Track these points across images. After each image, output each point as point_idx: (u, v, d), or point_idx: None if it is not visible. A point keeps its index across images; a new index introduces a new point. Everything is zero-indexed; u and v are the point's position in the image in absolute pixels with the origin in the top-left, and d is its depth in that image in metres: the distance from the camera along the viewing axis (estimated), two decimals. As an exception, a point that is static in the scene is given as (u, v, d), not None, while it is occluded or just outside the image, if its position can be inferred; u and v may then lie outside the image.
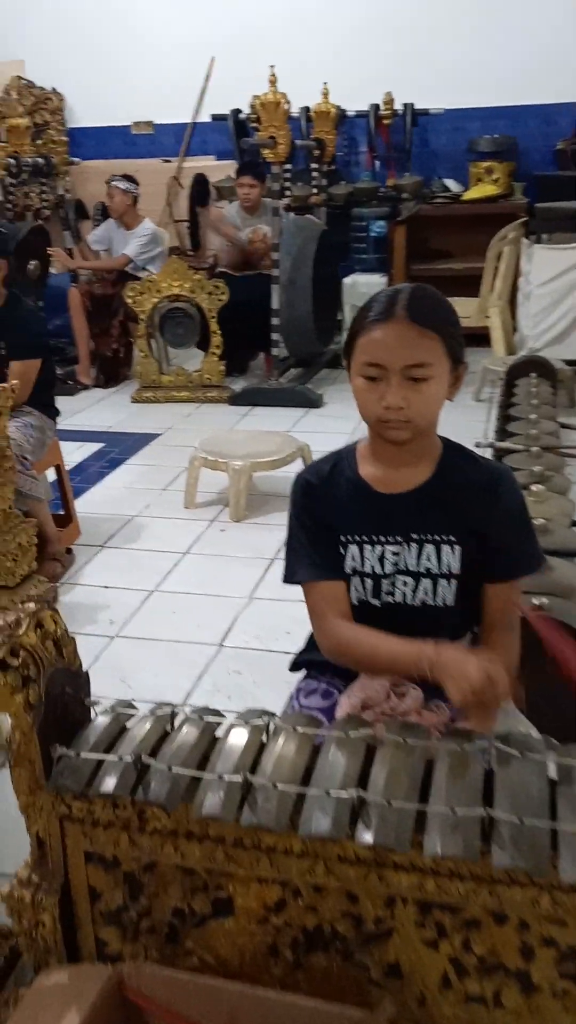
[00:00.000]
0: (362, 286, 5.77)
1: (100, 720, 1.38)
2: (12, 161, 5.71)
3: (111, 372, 5.69)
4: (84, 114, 6.89)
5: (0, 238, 3.06)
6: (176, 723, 1.39)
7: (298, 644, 1.64)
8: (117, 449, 4.42)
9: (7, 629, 1.29)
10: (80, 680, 1.41)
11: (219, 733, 1.36)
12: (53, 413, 3.21)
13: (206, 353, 5.28)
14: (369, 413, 1.41)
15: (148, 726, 1.36)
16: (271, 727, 1.32)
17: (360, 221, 6.07)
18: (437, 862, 1.14)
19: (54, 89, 6.81)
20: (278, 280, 4.97)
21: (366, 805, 1.16)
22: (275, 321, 5.00)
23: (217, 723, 1.37)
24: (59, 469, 3.35)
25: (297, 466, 3.56)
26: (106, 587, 2.98)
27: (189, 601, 2.85)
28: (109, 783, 1.25)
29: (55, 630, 1.38)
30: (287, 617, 2.58)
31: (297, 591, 1.54)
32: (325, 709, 1.57)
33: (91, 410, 5.11)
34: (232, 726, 1.34)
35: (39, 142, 6.37)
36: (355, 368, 1.41)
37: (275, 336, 5.05)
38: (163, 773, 1.25)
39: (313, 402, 5.02)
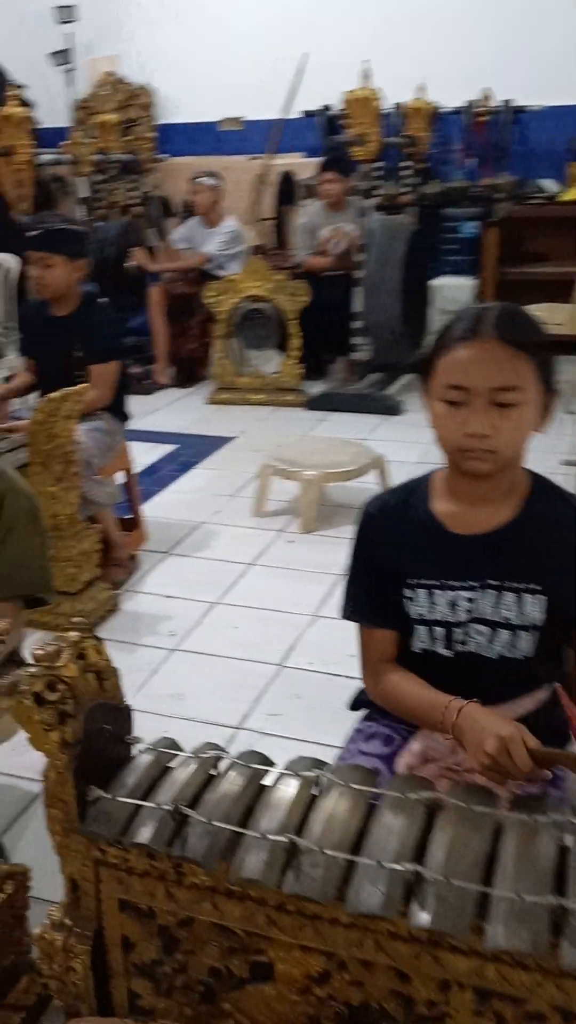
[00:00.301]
0: (450, 289, 5.60)
1: (141, 760, 1.30)
2: (100, 157, 5.71)
3: (188, 372, 5.65)
4: (174, 110, 6.89)
5: (78, 238, 3.01)
6: (221, 767, 1.29)
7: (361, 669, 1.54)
8: (189, 452, 4.37)
9: (46, 660, 1.22)
10: (122, 716, 1.33)
11: (266, 782, 1.26)
12: (123, 417, 3.16)
13: (284, 355, 5.19)
14: (449, 441, 1.28)
15: (191, 770, 1.26)
16: (322, 780, 1.21)
17: (451, 222, 5.90)
18: (499, 949, 1.02)
19: (146, 85, 6.82)
20: (362, 282, 4.84)
21: (423, 881, 1.05)
22: (357, 324, 4.87)
23: (264, 771, 1.27)
24: (127, 473, 3.30)
25: (372, 479, 3.44)
26: (169, 596, 2.91)
27: (251, 616, 2.76)
28: (144, 833, 1.16)
29: (97, 661, 1.30)
30: (351, 640, 2.46)
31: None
32: (385, 756, 1.46)
33: (166, 410, 5.08)
34: (281, 776, 1.24)
35: (127, 138, 6.37)
36: (435, 391, 1.29)
37: (356, 340, 4.92)
38: (202, 827, 1.16)
39: (392, 409, 4.88)
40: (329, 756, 2.06)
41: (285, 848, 1.11)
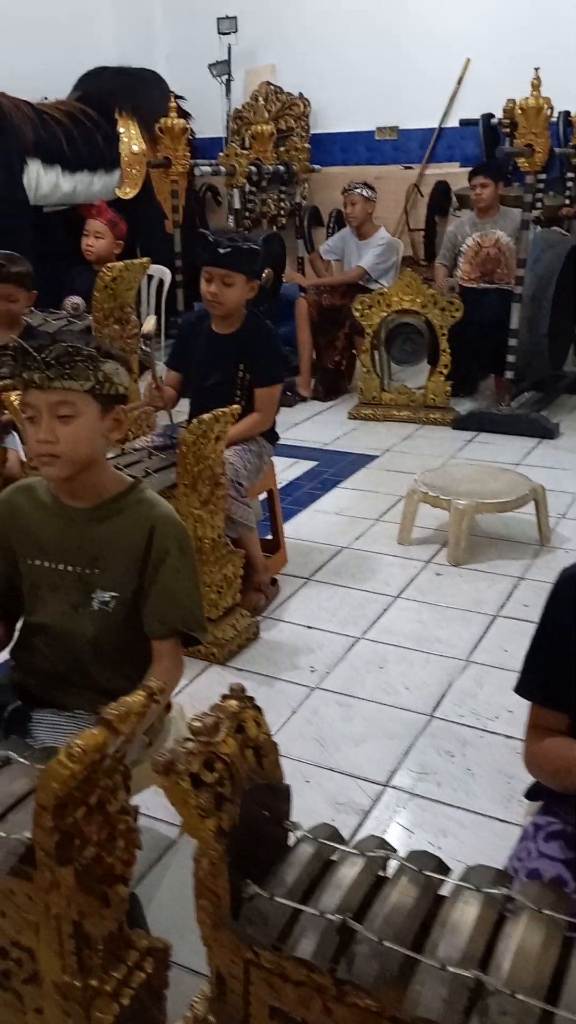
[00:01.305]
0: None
1: (300, 851, 1.16)
2: (253, 169, 5.68)
3: (331, 385, 5.54)
4: (328, 119, 6.80)
5: (258, 257, 2.92)
6: (390, 868, 1.14)
7: (522, 729, 1.36)
8: (331, 470, 4.24)
9: (203, 734, 1.10)
10: (280, 797, 1.20)
11: (444, 892, 1.10)
12: (273, 438, 3.07)
13: (432, 371, 4.99)
14: None
15: (356, 871, 1.12)
16: (510, 902, 1.05)
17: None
18: None
19: (301, 94, 6.76)
20: (519, 297, 4.59)
21: None
22: (512, 341, 4.62)
23: (441, 881, 1.11)
24: (271, 493, 3.20)
25: (529, 510, 3.20)
26: (309, 627, 2.78)
27: (398, 655, 2.60)
28: (306, 946, 1.03)
29: (257, 735, 1.18)
30: (510, 693, 2.27)
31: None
32: (570, 861, 1.27)
33: (307, 424, 4.98)
34: (459, 889, 1.08)
35: (281, 148, 6.33)
36: None
37: (511, 357, 4.67)
38: (371, 945, 1.01)
39: (548, 432, 4.59)
40: (486, 828, 1.88)
41: (469, 986, 0.95)
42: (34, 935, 1.25)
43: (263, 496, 3.23)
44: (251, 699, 1.20)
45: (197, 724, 1.12)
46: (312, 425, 4.97)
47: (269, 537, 3.22)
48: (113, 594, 1.66)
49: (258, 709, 1.20)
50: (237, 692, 1.19)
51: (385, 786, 2.03)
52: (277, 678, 2.49)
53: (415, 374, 5.37)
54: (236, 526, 2.77)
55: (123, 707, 1.20)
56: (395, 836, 1.87)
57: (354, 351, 5.45)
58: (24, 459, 3.35)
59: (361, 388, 5.13)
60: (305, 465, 4.31)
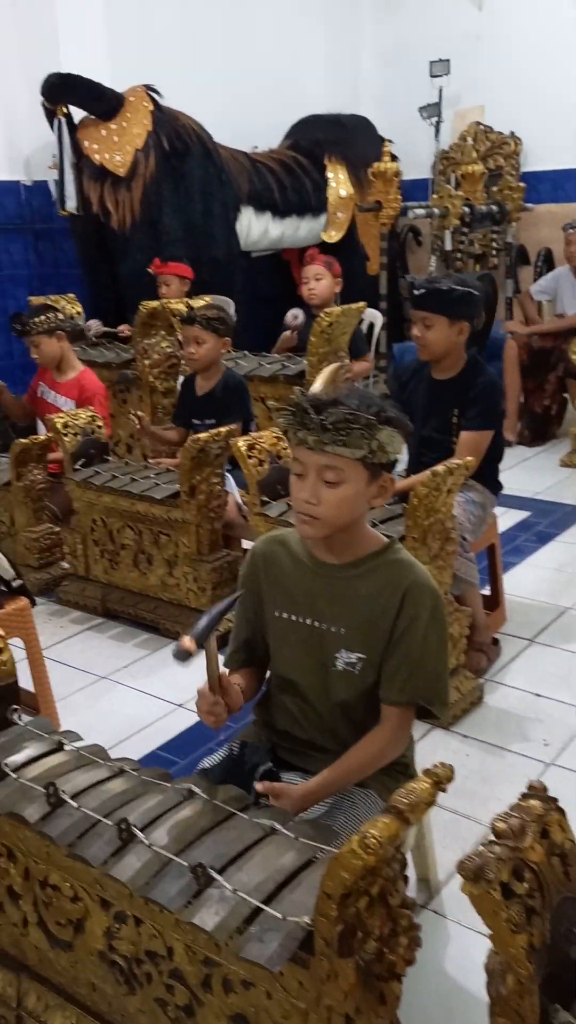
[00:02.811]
0: None
1: (611, 978, 1.05)
2: (466, 209, 5.61)
3: (538, 430, 5.33)
4: (539, 157, 6.64)
5: (463, 299, 2.85)
6: None
7: None
8: (545, 521, 4.04)
9: (510, 838, 1.02)
10: (586, 913, 1.09)
11: None
12: (496, 488, 2.96)
13: None
14: None
15: None
16: None
17: None
18: None
19: (512, 133, 6.65)
20: None
21: None
22: None
23: None
24: (492, 547, 3.08)
25: None
26: (538, 695, 2.62)
27: None
28: None
29: (563, 841, 1.08)
30: None
31: None
32: None
33: (515, 471, 4.79)
34: None
35: (494, 188, 6.22)
36: None
37: None
38: None
39: None
40: None
41: None
42: (301, 1023, 1.19)
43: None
44: (555, 800, 1.10)
45: (502, 825, 1.03)
46: (520, 472, 4.79)
47: (487, 592, 3.09)
48: (360, 655, 1.61)
49: (562, 812, 1.11)
50: (539, 791, 1.10)
51: None
52: (507, 749, 2.36)
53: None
54: (459, 583, 2.67)
55: (413, 796, 1.13)
56: None
57: (565, 395, 5.23)
58: (240, 502, 3.42)
59: (575, 434, 4.91)
60: (516, 515, 4.14)
